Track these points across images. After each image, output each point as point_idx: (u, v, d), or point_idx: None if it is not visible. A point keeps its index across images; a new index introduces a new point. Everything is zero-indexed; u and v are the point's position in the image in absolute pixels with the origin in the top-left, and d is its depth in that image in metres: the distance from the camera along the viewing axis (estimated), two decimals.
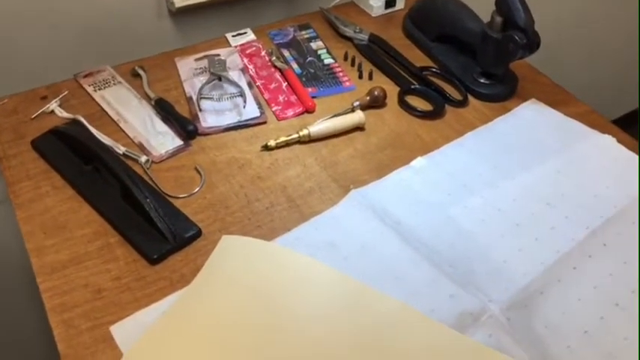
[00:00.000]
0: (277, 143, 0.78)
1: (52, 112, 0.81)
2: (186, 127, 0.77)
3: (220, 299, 0.60)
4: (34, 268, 0.64)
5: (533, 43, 0.78)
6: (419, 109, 0.84)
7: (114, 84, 0.85)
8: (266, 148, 0.78)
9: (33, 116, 0.80)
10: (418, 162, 0.77)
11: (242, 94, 0.82)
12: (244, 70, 0.89)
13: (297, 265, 0.63)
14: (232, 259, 0.63)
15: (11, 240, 1.06)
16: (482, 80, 0.87)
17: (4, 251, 1.08)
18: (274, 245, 0.65)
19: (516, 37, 0.78)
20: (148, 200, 0.66)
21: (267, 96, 0.86)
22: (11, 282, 1.12)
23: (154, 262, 0.64)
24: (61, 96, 0.82)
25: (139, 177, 0.72)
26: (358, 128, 0.81)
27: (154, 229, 0.66)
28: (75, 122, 0.79)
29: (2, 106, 0.82)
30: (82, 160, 0.73)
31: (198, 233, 0.67)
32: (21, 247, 0.96)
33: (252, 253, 0.64)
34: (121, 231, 0.67)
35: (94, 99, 0.83)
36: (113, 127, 0.80)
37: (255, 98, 0.84)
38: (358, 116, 0.80)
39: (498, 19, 0.80)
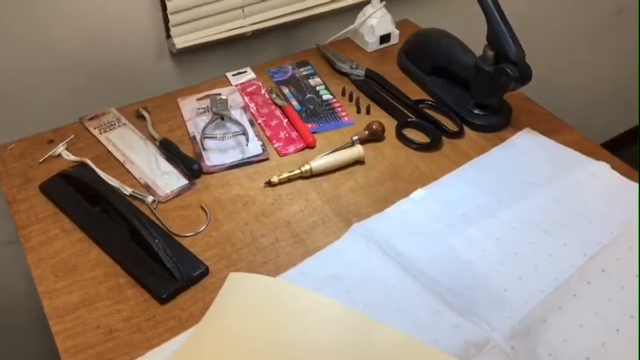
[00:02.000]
0: (280, 179, 0.80)
1: (59, 155, 0.83)
2: (190, 166, 0.80)
3: (229, 336, 0.61)
4: (46, 310, 0.65)
5: (525, 75, 0.81)
6: (416, 141, 0.86)
7: (119, 126, 0.87)
8: (269, 184, 0.80)
9: (40, 160, 0.82)
10: (418, 194, 0.79)
11: (244, 133, 0.85)
12: (245, 108, 0.92)
13: (302, 299, 0.64)
14: (240, 296, 0.65)
15: (20, 280, 1.07)
16: (476, 111, 0.89)
17: (13, 291, 1.09)
18: (279, 281, 0.67)
19: (508, 70, 0.80)
20: (156, 240, 0.68)
21: (268, 133, 0.88)
22: (20, 322, 1.13)
23: (163, 301, 0.65)
24: (67, 140, 0.84)
25: (146, 217, 0.74)
26: (358, 162, 0.84)
27: (163, 269, 0.67)
28: (82, 165, 0.81)
29: (10, 151, 0.84)
30: (91, 202, 0.75)
31: (206, 271, 0.69)
32: (30, 288, 0.98)
33: (258, 290, 0.65)
34: (130, 271, 0.68)
35: (99, 141, 0.85)
36: (119, 168, 0.82)
37: (257, 135, 0.87)
38: (358, 150, 0.83)
39: (490, 53, 0.83)
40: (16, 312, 1.12)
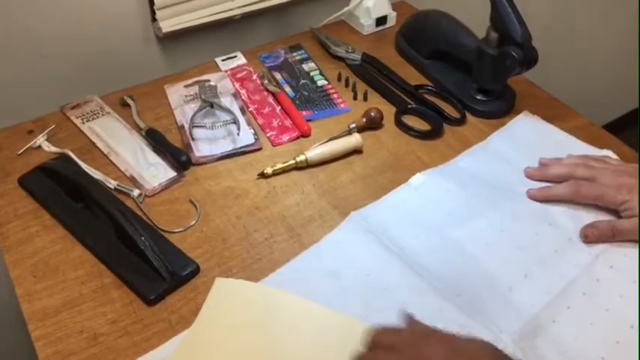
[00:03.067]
0: (274, 170, 0.76)
1: (40, 147, 0.78)
2: (179, 157, 0.75)
3: (218, 346, 0.57)
4: (25, 314, 0.61)
5: (530, 58, 0.77)
6: (416, 129, 0.82)
7: (102, 115, 0.83)
8: (262, 175, 0.75)
9: (19, 152, 0.78)
10: (416, 179, 0.75)
11: (235, 121, 0.80)
12: (236, 95, 0.87)
13: (290, 305, 0.61)
14: (227, 303, 0.61)
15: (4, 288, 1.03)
16: (479, 97, 0.85)
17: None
18: (266, 288, 0.62)
19: (513, 53, 0.76)
20: (142, 238, 0.64)
21: (260, 121, 0.84)
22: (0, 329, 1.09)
23: (151, 303, 0.61)
24: (47, 130, 0.80)
25: (132, 213, 0.69)
26: (356, 151, 0.79)
27: (150, 268, 0.63)
28: (63, 157, 0.76)
29: None
30: (72, 197, 0.71)
31: (197, 270, 0.65)
32: (9, 290, 0.94)
33: (245, 296, 0.62)
34: (115, 271, 0.64)
35: (82, 131, 0.81)
36: (103, 160, 0.77)
37: (249, 124, 0.82)
38: (355, 139, 0.79)
39: (494, 35, 0.79)
40: None
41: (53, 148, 0.78)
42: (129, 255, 0.64)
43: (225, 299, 0.61)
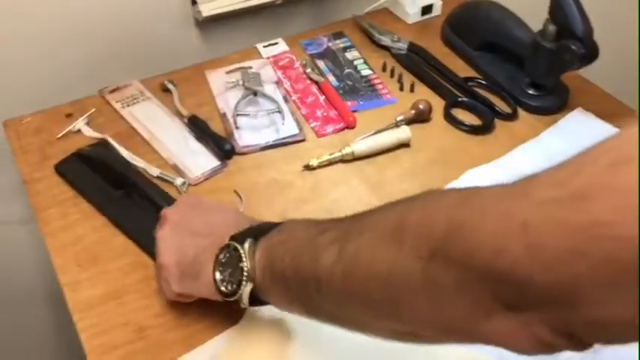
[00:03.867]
0: (319, 162, 0.73)
1: (79, 131, 0.76)
2: (222, 146, 0.73)
3: (263, 344, 0.55)
4: (70, 304, 0.59)
5: (591, 53, 0.73)
6: (467, 123, 0.79)
7: (142, 100, 0.81)
8: (307, 167, 0.73)
9: (58, 136, 0.76)
10: (468, 176, 0.72)
11: (280, 110, 0.78)
12: (278, 83, 0.85)
13: None
14: None
15: (33, 261, 1.02)
16: (531, 91, 0.82)
17: (26, 272, 1.03)
18: None
19: (573, 47, 0.73)
20: None
21: (304, 111, 0.81)
22: (31, 301, 1.08)
23: None
24: (87, 114, 0.78)
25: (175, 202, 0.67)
26: (403, 145, 0.77)
27: None
28: (101, 143, 0.74)
29: (26, 125, 0.78)
30: (112, 184, 0.69)
31: None
32: (44, 268, 0.93)
33: None
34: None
35: (122, 116, 0.79)
36: (145, 147, 0.75)
37: (292, 114, 0.80)
38: (404, 132, 0.76)
39: (552, 28, 0.76)
40: (27, 291, 1.07)
41: (93, 133, 0.76)
42: None
43: None
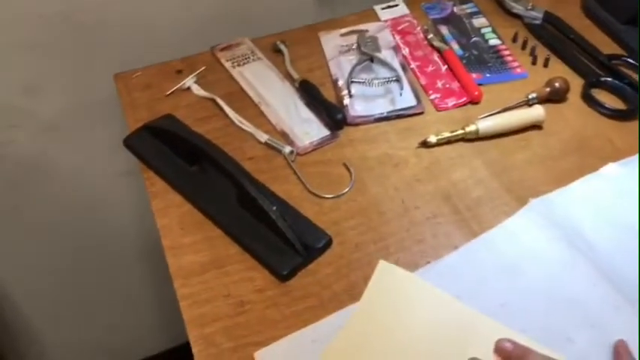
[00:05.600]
0: (438, 140, 0.67)
1: (189, 88, 0.74)
2: (334, 115, 0.68)
3: (377, 338, 0.51)
4: (171, 269, 0.57)
5: None
6: (609, 106, 0.69)
7: (253, 60, 0.77)
8: (424, 144, 0.67)
9: (167, 93, 0.74)
10: (610, 169, 0.63)
11: (398, 79, 0.71)
12: (396, 49, 0.78)
13: (456, 314, 0.52)
14: (388, 292, 0.54)
15: (132, 213, 1.03)
16: None
17: (124, 222, 1.05)
18: (433, 289, 0.54)
19: None
20: (274, 208, 0.57)
21: (423, 81, 0.74)
22: (129, 253, 1.10)
23: (284, 278, 0.56)
24: (197, 72, 0.75)
25: (253, 178, 0.62)
26: (533, 126, 0.69)
27: (281, 240, 0.57)
28: (167, 116, 0.70)
29: (136, 80, 0.76)
30: (185, 159, 0.65)
31: (329, 242, 0.58)
32: (142, 221, 0.93)
33: (409, 290, 0.54)
34: (241, 242, 0.58)
35: (232, 76, 0.75)
36: (253, 110, 0.72)
37: (410, 84, 0.73)
38: (537, 112, 0.68)
39: None
40: (124, 237, 1.09)
41: (202, 92, 0.73)
42: (255, 225, 0.58)
43: (388, 286, 0.54)
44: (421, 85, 0.74)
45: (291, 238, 0.56)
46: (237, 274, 0.56)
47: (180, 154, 0.65)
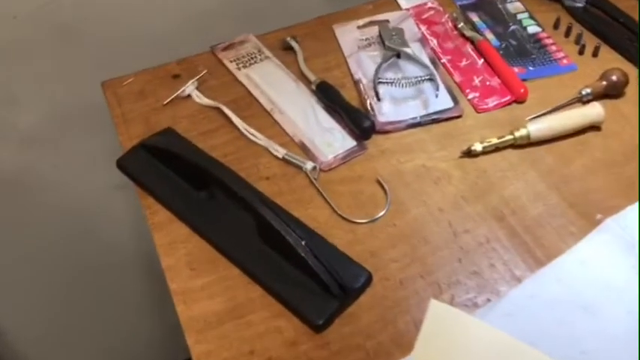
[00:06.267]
0: (484, 147, 0.57)
1: (189, 96, 0.64)
2: (361, 122, 0.59)
3: None
4: (182, 320, 0.48)
5: None
6: None
7: (261, 59, 0.67)
8: (468, 153, 0.58)
9: (165, 102, 0.64)
10: None
11: (432, 78, 0.62)
12: (423, 41, 0.69)
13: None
14: (446, 339, 0.45)
15: (126, 226, 0.94)
16: None
17: (119, 236, 0.95)
18: (499, 334, 0.45)
19: None
20: (303, 242, 0.47)
21: (457, 78, 0.65)
22: (124, 265, 1.01)
23: (319, 328, 0.46)
24: (198, 76, 0.65)
25: (275, 205, 0.53)
26: (590, 127, 0.60)
27: (311, 279, 0.47)
28: (168, 132, 0.60)
29: (127, 88, 0.66)
30: (191, 184, 0.55)
31: (369, 279, 0.49)
32: (137, 234, 0.83)
33: (470, 337, 0.45)
34: (264, 284, 0.49)
35: (237, 79, 0.66)
36: (265, 119, 0.62)
37: (444, 82, 0.64)
38: (596, 111, 0.59)
39: None
40: (120, 256, 1.00)
41: (205, 100, 0.63)
42: (280, 262, 0.49)
43: (443, 334, 0.45)
44: (455, 83, 0.65)
45: (326, 280, 0.47)
46: (262, 323, 0.47)
47: (185, 176, 0.55)
